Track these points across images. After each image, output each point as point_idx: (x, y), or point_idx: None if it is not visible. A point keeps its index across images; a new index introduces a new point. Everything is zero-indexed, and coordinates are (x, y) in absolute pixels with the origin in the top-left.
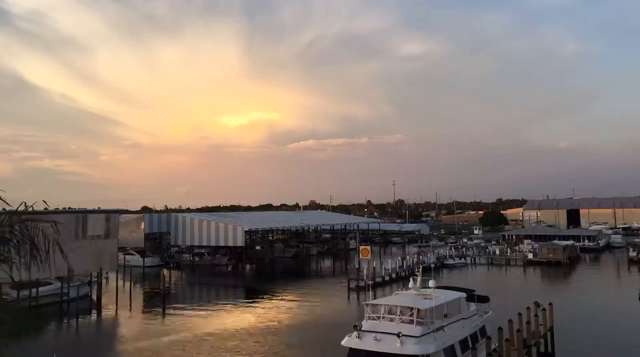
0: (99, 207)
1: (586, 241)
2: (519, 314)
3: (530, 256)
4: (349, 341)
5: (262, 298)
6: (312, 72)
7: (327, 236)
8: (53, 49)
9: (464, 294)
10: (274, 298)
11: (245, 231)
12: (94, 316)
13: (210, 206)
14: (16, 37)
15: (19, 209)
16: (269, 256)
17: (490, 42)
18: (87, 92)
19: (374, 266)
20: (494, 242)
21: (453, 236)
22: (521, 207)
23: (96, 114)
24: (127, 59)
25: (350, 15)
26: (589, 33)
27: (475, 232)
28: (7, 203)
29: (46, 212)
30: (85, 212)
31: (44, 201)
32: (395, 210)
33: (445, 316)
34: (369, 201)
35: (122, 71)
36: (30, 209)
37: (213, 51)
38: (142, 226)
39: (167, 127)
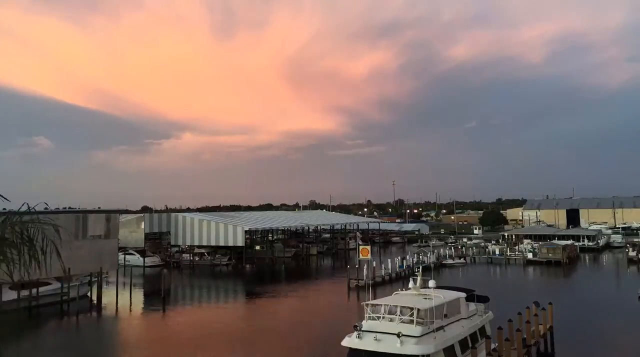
0: (99, 207)
1: (586, 241)
2: (519, 313)
3: (529, 255)
4: (349, 341)
5: (262, 298)
6: (307, 70)
7: (327, 236)
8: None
9: (463, 294)
10: (274, 298)
11: (245, 231)
12: (94, 316)
13: (210, 206)
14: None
15: (21, 209)
16: (269, 256)
17: (499, 42)
18: (84, 94)
19: (374, 265)
20: (493, 242)
21: (453, 236)
22: (521, 207)
23: (94, 113)
24: (126, 58)
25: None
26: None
27: (475, 232)
28: (4, 198)
29: (46, 212)
30: (86, 212)
31: (45, 203)
32: (395, 210)
33: (445, 316)
34: (369, 201)
35: (120, 70)
36: (32, 210)
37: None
38: (142, 226)
39: (166, 127)
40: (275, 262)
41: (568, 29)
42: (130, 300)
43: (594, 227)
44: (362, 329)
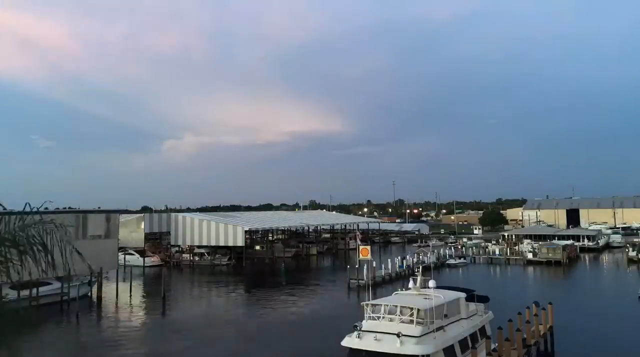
0: (99, 207)
1: (586, 241)
2: (519, 313)
3: (529, 255)
4: (349, 341)
5: (262, 298)
6: (307, 70)
7: (327, 235)
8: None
9: (463, 294)
10: (274, 298)
11: (245, 231)
12: (94, 316)
13: (210, 206)
14: None
15: (23, 210)
16: (269, 256)
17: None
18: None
19: (374, 265)
20: (493, 241)
21: (453, 236)
22: (521, 207)
23: (94, 114)
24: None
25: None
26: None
27: (475, 232)
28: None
29: (46, 212)
30: (86, 212)
31: (50, 202)
32: (395, 210)
33: (445, 316)
34: (369, 201)
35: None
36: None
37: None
38: (142, 226)
39: (166, 127)
40: (275, 262)
41: (567, 28)
42: (130, 300)
43: (594, 227)
44: (362, 329)
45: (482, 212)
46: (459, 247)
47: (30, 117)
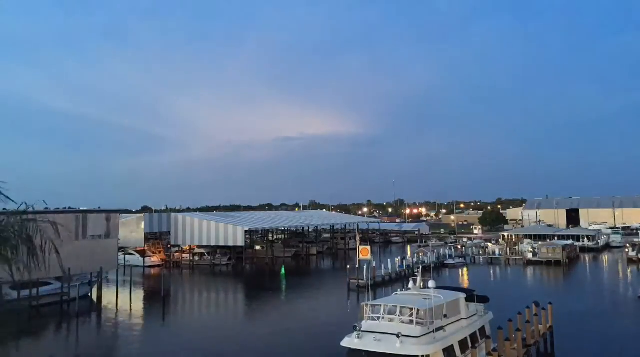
0: (99, 207)
1: (585, 241)
2: (519, 313)
3: (529, 255)
4: (349, 341)
5: (262, 298)
6: (304, 69)
7: (327, 235)
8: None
9: (463, 294)
10: (274, 298)
11: (245, 231)
12: (93, 317)
13: (210, 206)
14: None
15: (20, 209)
16: (269, 256)
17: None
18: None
19: (374, 265)
20: (493, 241)
21: (453, 236)
22: (521, 207)
23: (95, 115)
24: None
25: None
26: None
27: (475, 232)
28: (8, 198)
29: (46, 212)
30: (86, 212)
31: (43, 201)
32: (395, 210)
33: (445, 316)
34: (369, 201)
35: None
36: (31, 209)
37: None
38: (142, 226)
39: (166, 128)
40: (275, 262)
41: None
42: (130, 300)
43: (594, 227)
44: (362, 329)
45: (482, 212)
46: (459, 247)
47: (32, 119)
